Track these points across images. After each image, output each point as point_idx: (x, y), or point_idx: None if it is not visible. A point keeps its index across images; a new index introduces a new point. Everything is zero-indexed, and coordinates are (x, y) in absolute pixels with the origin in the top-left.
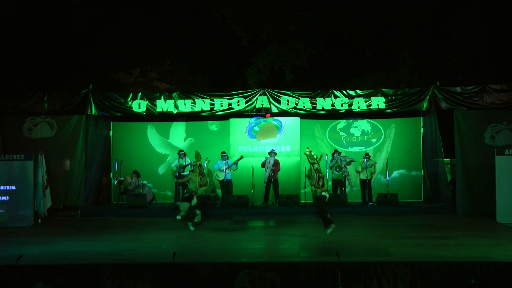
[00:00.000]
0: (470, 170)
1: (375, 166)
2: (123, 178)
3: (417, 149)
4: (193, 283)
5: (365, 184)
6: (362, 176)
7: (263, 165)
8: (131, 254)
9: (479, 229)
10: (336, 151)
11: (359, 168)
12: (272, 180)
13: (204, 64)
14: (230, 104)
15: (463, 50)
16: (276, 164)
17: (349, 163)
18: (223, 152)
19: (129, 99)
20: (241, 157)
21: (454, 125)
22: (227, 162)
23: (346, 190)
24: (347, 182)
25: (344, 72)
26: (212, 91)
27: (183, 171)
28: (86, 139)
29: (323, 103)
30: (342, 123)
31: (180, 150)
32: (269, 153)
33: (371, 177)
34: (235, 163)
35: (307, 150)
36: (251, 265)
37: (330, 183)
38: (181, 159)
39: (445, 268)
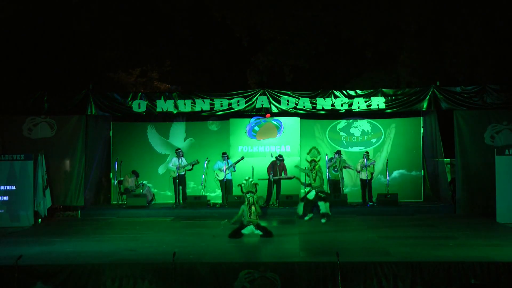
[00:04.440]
0: (470, 170)
1: (373, 165)
2: (122, 178)
3: (417, 149)
4: (193, 283)
5: (365, 184)
6: (362, 176)
7: (270, 169)
8: (131, 254)
9: (479, 229)
10: (338, 152)
11: (359, 168)
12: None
13: (204, 64)
14: (230, 104)
15: (463, 50)
16: (284, 168)
17: (345, 167)
18: (224, 153)
19: (129, 99)
20: (242, 158)
21: (454, 125)
22: (228, 162)
23: (345, 190)
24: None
25: (344, 72)
26: (212, 91)
27: (182, 171)
28: (86, 139)
29: (323, 103)
30: (342, 123)
31: (178, 149)
32: (277, 158)
33: (371, 177)
34: (234, 165)
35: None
36: (251, 265)
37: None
38: (178, 158)
39: (445, 268)
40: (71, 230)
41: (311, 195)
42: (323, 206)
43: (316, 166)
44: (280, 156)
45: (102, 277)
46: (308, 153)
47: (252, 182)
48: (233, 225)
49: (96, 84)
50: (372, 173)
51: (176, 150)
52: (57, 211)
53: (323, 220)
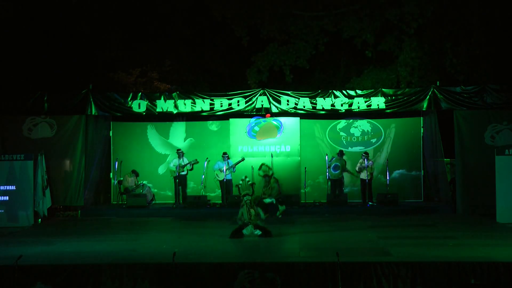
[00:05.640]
0: (470, 170)
1: (371, 166)
2: (122, 178)
3: (417, 149)
4: (193, 283)
5: (365, 184)
6: (362, 176)
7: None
8: (131, 254)
9: (479, 229)
10: (341, 152)
11: (358, 168)
12: None
13: (204, 64)
14: (230, 104)
15: (463, 50)
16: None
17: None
18: (224, 153)
19: (129, 99)
20: (243, 159)
21: (454, 125)
22: (228, 163)
23: (345, 190)
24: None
25: (344, 72)
26: (212, 91)
27: (183, 171)
28: (86, 139)
29: (323, 103)
30: (342, 123)
31: (178, 149)
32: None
33: (371, 177)
34: (234, 166)
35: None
36: (251, 265)
37: (329, 183)
38: (179, 159)
39: (445, 268)
40: (71, 230)
41: (267, 200)
42: (281, 209)
43: (271, 180)
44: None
45: (102, 277)
46: (259, 169)
47: (249, 183)
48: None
49: (96, 84)
50: (372, 173)
51: (177, 150)
52: (57, 211)
53: (279, 214)
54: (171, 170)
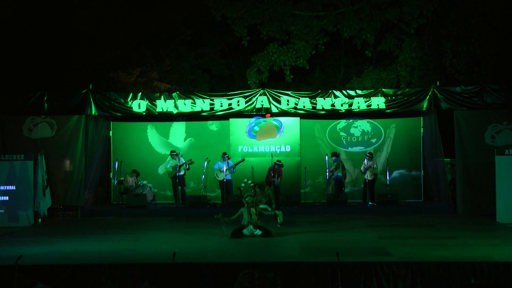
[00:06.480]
0: (470, 170)
1: (373, 166)
2: (123, 178)
3: (417, 149)
4: (193, 283)
5: (367, 184)
6: (365, 176)
7: (270, 175)
8: (131, 254)
9: (479, 229)
10: (336, 153)
11: (362, 168)
12: (275, 185)
13: (204, 64)
14: (230, 104)
15: (463, 50)
16: (280, 172)
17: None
18: (224, 153)
19: (129, 99)
20: (243, 160)
21: (454, 125)
22: (228, 163)
23: (345, 190)
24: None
25: (344, 72)
26: (212, 91)
27: (179, 171)
28: (86, 139)
29: (323, 103)
30: (342, 123)
31: (172, 151)
32: (275, 163)
33: (374, 177)
34: (234, 166)
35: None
36: (251, 265)
37: (332, 182)
38: (175, 160)
39: (445, 268)
40: (71, 230)
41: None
42: (280, 215)
43: (266, 189)
44: (279, 161)
45: (102, 277)
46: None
47: (251, 185)
48: (227, 223)
49: (96, 84)
50: (375, 174)
51: (171, 152)
52: (57, 211)
53: (280, 222)
54: (168, 171)
